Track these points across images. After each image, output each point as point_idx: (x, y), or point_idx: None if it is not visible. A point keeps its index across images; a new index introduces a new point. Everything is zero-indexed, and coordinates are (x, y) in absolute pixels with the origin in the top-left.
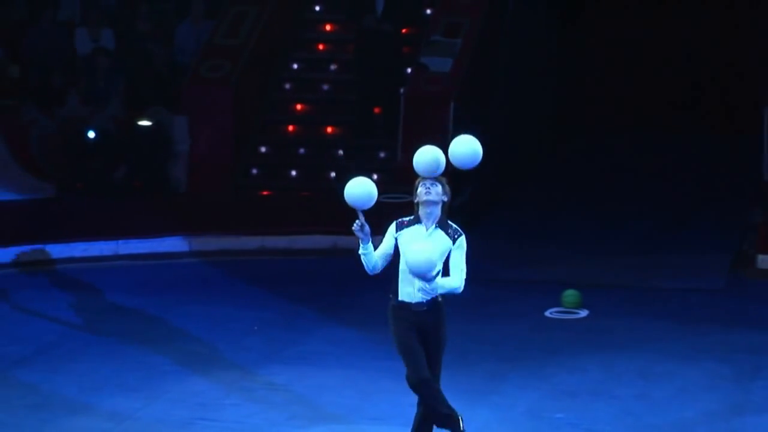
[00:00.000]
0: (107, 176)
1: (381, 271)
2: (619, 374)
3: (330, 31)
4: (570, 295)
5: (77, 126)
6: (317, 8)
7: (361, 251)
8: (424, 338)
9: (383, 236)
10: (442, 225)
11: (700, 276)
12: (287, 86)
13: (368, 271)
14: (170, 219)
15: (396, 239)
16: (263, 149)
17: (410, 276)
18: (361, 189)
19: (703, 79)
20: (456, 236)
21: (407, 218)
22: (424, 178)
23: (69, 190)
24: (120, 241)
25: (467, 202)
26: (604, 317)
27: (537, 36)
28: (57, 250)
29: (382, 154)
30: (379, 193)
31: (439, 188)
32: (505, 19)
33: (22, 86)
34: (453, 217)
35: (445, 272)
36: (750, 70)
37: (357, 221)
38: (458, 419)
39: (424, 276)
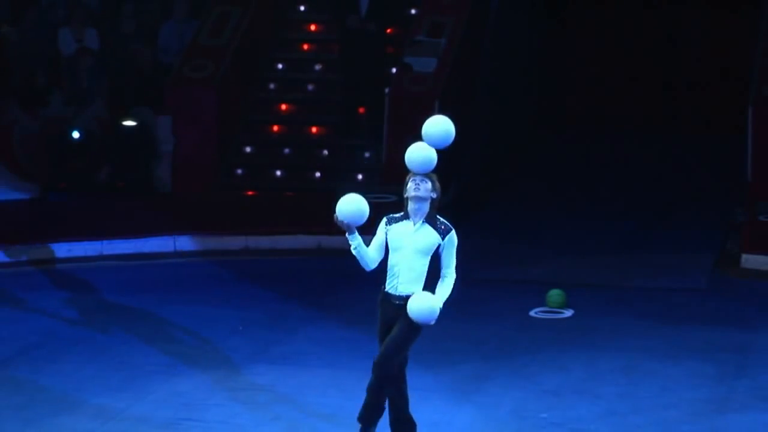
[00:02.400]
0: (91, 176)
1: (378, 265)
2: (603, 373)
3: (314, 31)
4: (554, 294)
5: (61, 126)
6: (302, 8)
7: (352, 245)
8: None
9: (372, 235)
10: (429, 220)
11: (684, 275)
12: (272, 86)
13: (365, 267)
14: (155, 219)
15: (386, 233)
16: (248, 149)
17: (396, 270)
18: (352, 206)
19: (689, 77)
20: (446, 232)
21: (397, 214)
22: (415, 174)
23: (52, 191)
24: (104, 242)
25: (451, 202)
26: (588, 317)
27: (521, 34)
28: (41, 251)
29: (366, 154)
30: (364, 194)
31: (429, 185)
32: (489, 17)
33: (4, 86)
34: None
35: (434, 267)
36: (736, 69)
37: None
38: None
39: (427, 323)
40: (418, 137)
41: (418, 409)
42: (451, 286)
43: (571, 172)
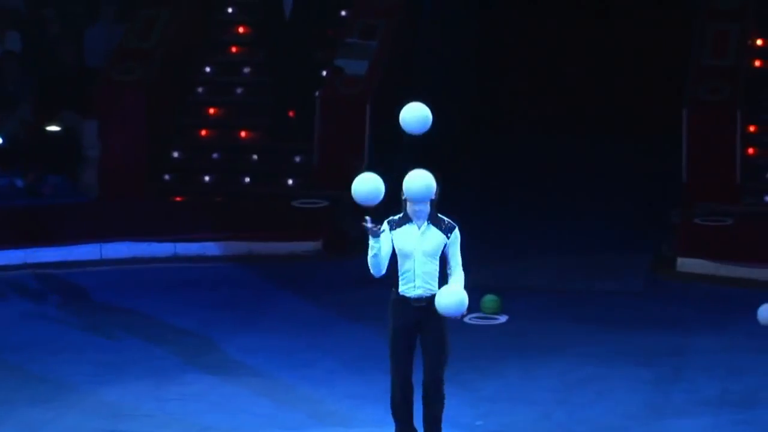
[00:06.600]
0: (16, 182)
1: (386, 271)
2: (539, 379)
3: (243, 34)
4: (489, 301)
5: None
6: (230, 10)
7: (371, 251)
8: (423, 336)
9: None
10: (434, 221)
11: (620, 278)
12: (200, 90)
13: (376, 273)
14: (81, 226)
15: (391, 238)
16: (176, 154)
17: (409, 275)
18: (368, 185)
19: (625, 78)
20: (450, 230)
21: (396, 217)
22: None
23: None
24: (29, 250)
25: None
26: (524, 321)
27: (454, 36)
28: None
29: (297, 158)
30: (295, 199)
31: None
32: (421, 19)
33: None
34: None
35: (442, 266)
36: (670, 71)
37: (368, 221)
38: None
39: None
40: (349, 139)
41: (352, 416)
42: (462, 282)
43: (506, 174)
